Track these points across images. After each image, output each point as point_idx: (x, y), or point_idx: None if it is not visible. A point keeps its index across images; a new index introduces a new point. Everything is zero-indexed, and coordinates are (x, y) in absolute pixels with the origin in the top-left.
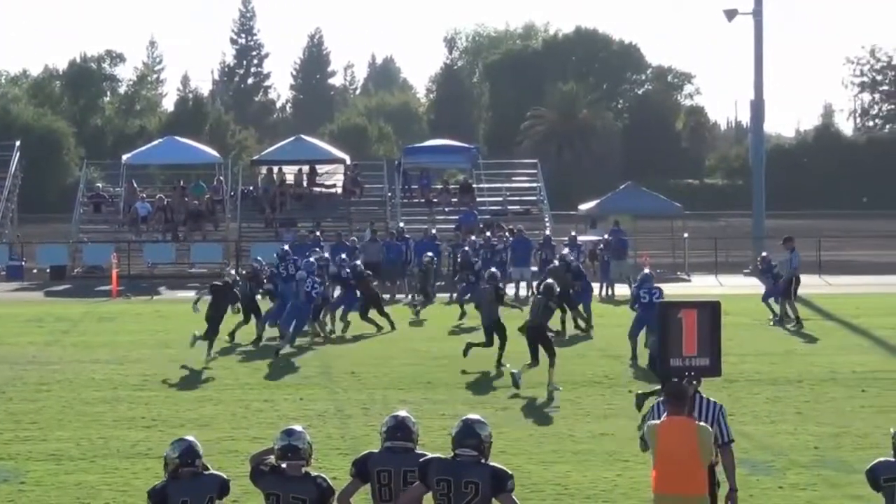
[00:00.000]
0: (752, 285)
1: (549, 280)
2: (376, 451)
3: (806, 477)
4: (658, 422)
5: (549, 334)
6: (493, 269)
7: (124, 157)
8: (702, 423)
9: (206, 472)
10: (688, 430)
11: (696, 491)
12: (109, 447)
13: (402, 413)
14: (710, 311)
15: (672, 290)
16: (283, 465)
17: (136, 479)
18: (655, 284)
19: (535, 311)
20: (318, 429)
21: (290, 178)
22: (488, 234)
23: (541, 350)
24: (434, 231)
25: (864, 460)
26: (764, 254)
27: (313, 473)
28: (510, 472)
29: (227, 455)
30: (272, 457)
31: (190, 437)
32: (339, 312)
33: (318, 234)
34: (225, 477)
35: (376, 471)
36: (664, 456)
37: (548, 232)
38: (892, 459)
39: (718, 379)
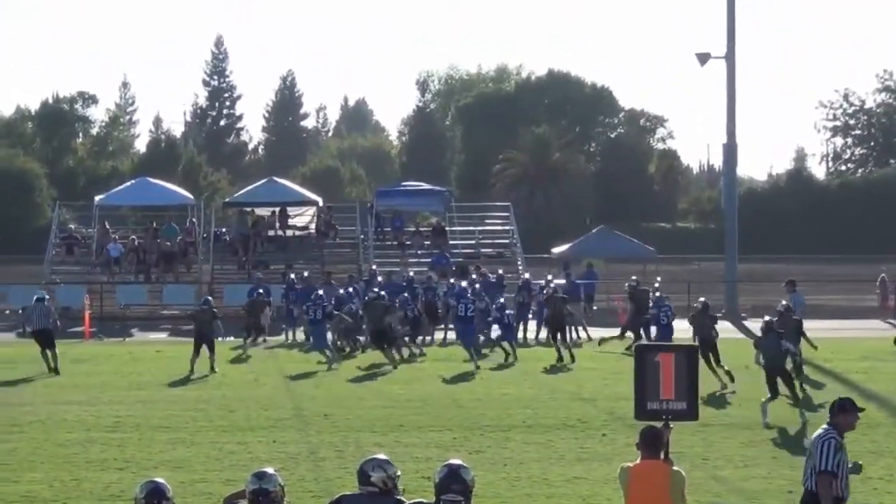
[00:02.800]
0: (723, 329)
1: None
2: (349, 493)
3: None
4: (631, 465)
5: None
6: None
7: (97, 198)
8: (675, 468)
9: None
10: (660, 473)
11: None
12: (82, 489)
13: (456, 462)
14: (686, 355)
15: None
16: None
17: None
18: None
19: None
20: (290, 471)
21: (263, 220)
22: (474, 276)
23: None
24: (411, 273)
25: None
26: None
27: None
28: None
29: (200, 497)
30: (244, 500)
31: (158, 479)
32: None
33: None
34: None
35: None
36: (635, 499)
37: (526, 275)
38: None
39: (693, 423)
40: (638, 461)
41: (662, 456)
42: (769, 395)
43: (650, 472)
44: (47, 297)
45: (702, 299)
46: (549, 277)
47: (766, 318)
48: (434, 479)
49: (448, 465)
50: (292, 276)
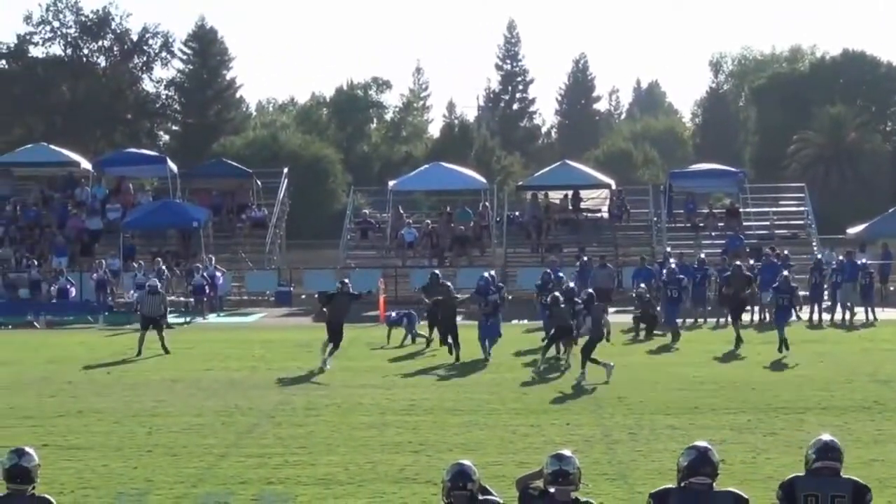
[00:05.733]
0: None
1: None
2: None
3: None
4: None
5: None
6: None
7: (391, 183)
8: None
9: (482, 498)
10: None
11: None
12: (377, 471)
13: None
14: None
15: None
16: (553, 490)
17: (404, 503)
18: None
19: None
20: (585, 454)
21: (556, 203)
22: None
23: None
24: (702, 255)
25: None
26: None
27: (583, 499)
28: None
29: (493, 479)
30: (540, 481)
31: (464, 461)
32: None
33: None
34: (499, 502)
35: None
36: None
37: (819, 256)
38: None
39: None
40: None
41: None
42: None
43: None
44: (160, 285)
45: None
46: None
47: None
48: (680, 461)
49: (695, 447)
50: (585, 258)
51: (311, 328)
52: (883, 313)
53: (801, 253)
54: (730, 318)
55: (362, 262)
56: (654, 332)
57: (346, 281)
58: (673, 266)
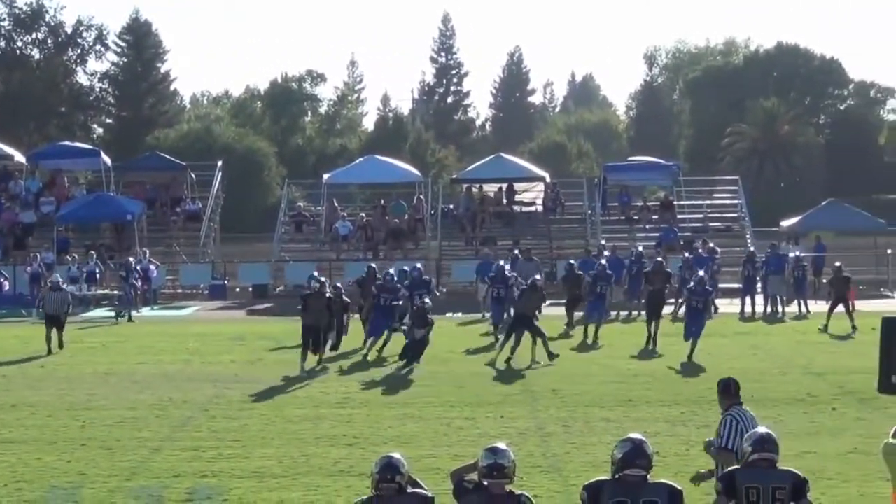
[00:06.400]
0: None
1: None
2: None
3: None
4: None
5: None
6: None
7: (325, 176)
8: None
9: (411, 491)
10: None
11: None
12: (311, 464)
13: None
14: None
15: (875, 308)
16: (487, 483)
17: (338, 496)
18: None
19: None
20: (519, 447)
21: (489, 196)
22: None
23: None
24: (640, 248)
25: None
26: None
27: (517, 492)
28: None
29: (427, 472)
30: (474, 474)
31: (393, 454)
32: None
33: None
34: (428, 494)
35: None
36: None
37: (752, 249)
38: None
39: None
40: None
41: None
42: None
43: None
44: (62, 282)
45: None
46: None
47: None
48: (615, 453)
49: (630, 439)
50: (516, 251)
51: (245, 321)
52: (815, 306)
53: (735, 246)
54: (645, 315)
55: (296, 255)
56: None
57: (323, 280)
58: (604, 262)
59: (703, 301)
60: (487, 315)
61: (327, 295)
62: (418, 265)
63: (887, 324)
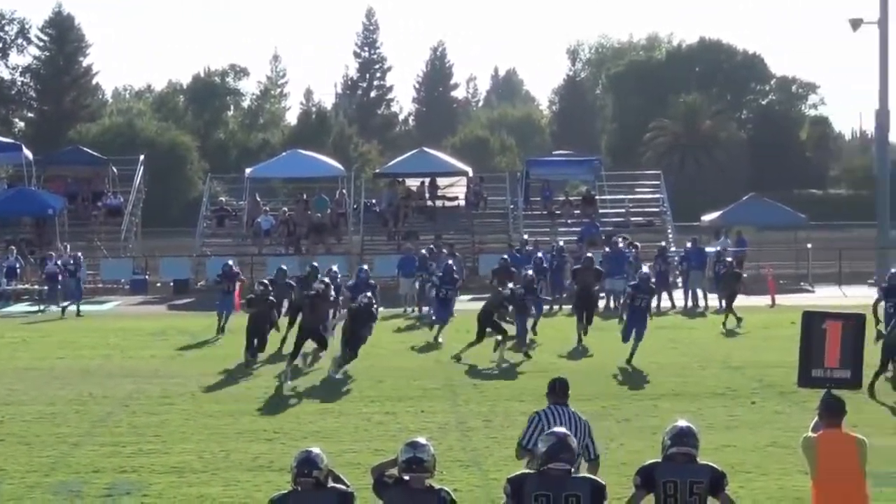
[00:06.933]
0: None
1: None
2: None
3: None
4: (815, 435)
5: None
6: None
7: (247, 170)
8: (860, 437)
9: (331, 486)
10: (849, 443)
11: (859, 500)
12: (231, 460)
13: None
14: (854, 324)
15: (795, 301)
16: (407, 478)
17: (258, 491)
18: None
19: None
20: (439, 441)
21: (412, 191)
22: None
23: None
24: (561, 243)
25: None
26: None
27: (436, 486)
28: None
29: (348, 467)
30: (395, 469)
31: (313, 448)
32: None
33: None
34: (347, 490)
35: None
36: (826, 470)
37: (662, 244)
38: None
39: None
40: (821, 431)
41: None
42: None
43: (839, 442)
44: None
45: None
46: (689, 245)
47: None
48: (539, 447)
49: (554, 433)
50: (432, 246)
51: (166, 316)
52: (736, 300)
53: (657, 240)
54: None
55: (218, 249)
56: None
57: (327, 280)
58: (540, 255)
59: (647, 300)
60: (409, 310)
61: (332, 298)
62: (365, 266)
63: (807, 318)
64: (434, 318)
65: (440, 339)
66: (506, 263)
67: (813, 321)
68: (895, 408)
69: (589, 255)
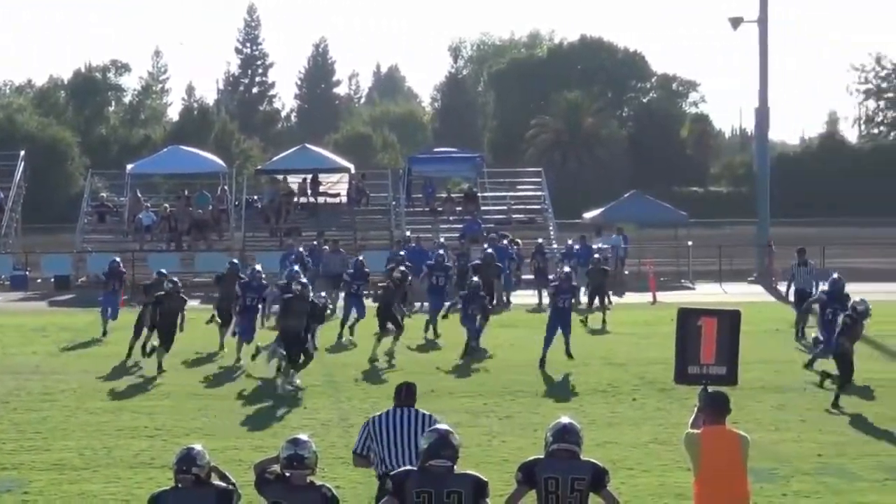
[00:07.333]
0: (755, 293)
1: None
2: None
3: (809, 484)
4: (697, 430)
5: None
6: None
7: (129, 166)
8: (742, 433)
9: (213, 483)
10: (731, 439)
11: (741, 496)
12: (112, 456)
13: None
14: (729, 320)
15: (676, 299)
16: (288, 474)
17: (139, 488)
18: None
19: None
20: (322, 438)
21: (294, 188)
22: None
23: None
24: (442, 239)
25: (867, 467)
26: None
27: (318, 482)
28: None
29: (230, 464)
30: (277, 465)
31: (195, 446)
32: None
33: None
34: (226, 487)
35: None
36: (709, 466)
37: (539, 241)
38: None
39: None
40: (704, 427)
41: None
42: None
43: (721, 438)
44: None
45: None
46: (570, 242)
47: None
48: (420, 444)
49: (436, 429)
50: (314, 243)
51: (46, 312)
52: (618, 298)
53: (538, 237)
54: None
55: (99, 245)
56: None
57: (305, 281)
58: (441, 252)
59: (569, 299)
60: None
61: (310, 299)
62: (360, 257)
63: (682, 315)
64: (343, 314)
65: (352, 337)
66: (490, 259)
67: (688, 318)
68: (775, 405)
69: (490, 250)
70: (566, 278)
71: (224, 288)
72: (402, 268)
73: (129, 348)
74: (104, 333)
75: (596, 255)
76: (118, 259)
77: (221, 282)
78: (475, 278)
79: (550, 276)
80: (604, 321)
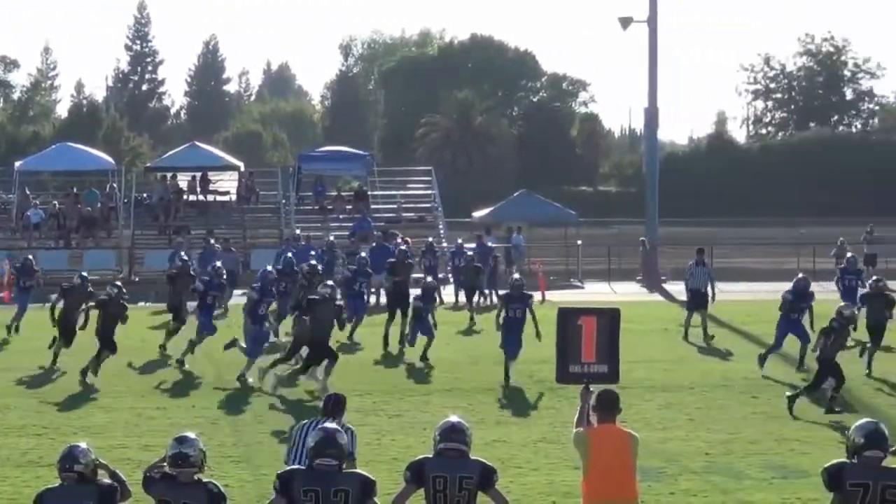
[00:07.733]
0: (644, 292)
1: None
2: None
3: (697, 483)
4: (586, 429)
5: None
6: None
7: (17, 163)
8: (631, 431)
9: (97, 480)
10: (621, 437)
11: (630, 495)
12: (0, 456)
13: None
14: (609, 318)
15: (565, 297)
16: (175, 473)
17: (27, 487)
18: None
19: None
20: (210, 436)
21: (184, 185)
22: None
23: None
24: (331, 238)
25: (754, 466)
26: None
27: (204, 479)
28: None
29: (118, 463)
30: (166, 465)
31: (80, 444)
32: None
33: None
34: (110, 484)
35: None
36: (599, 463)
37: (429, 240)
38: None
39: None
40: (594, 425)
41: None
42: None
43: (611, 436)
44: None
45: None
46: (460, 241)
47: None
48: (308, 442)
49: (323, 428)
50: (211, 241)
51: None
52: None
53: (428, 236)
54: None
55: None
56: None
57: (332, 283)
58: (364, 255)
59: (521, 309)
60: None
61: (338, 302)
62: (363, 253)
63: (562, 314)
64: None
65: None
66: (471, 260)
67: (568, 317)
68: (663, 404)
69: (402, 247)
70: (517, 286)
71: (176, 287)
72: (312, 261)
73: (54, 356)
74: (14, 330)
75: (469, 254)
76: (31, 257)
77: (174, 281)
78: (431, 284)
79: (441, 275)
80: (472, 319)
